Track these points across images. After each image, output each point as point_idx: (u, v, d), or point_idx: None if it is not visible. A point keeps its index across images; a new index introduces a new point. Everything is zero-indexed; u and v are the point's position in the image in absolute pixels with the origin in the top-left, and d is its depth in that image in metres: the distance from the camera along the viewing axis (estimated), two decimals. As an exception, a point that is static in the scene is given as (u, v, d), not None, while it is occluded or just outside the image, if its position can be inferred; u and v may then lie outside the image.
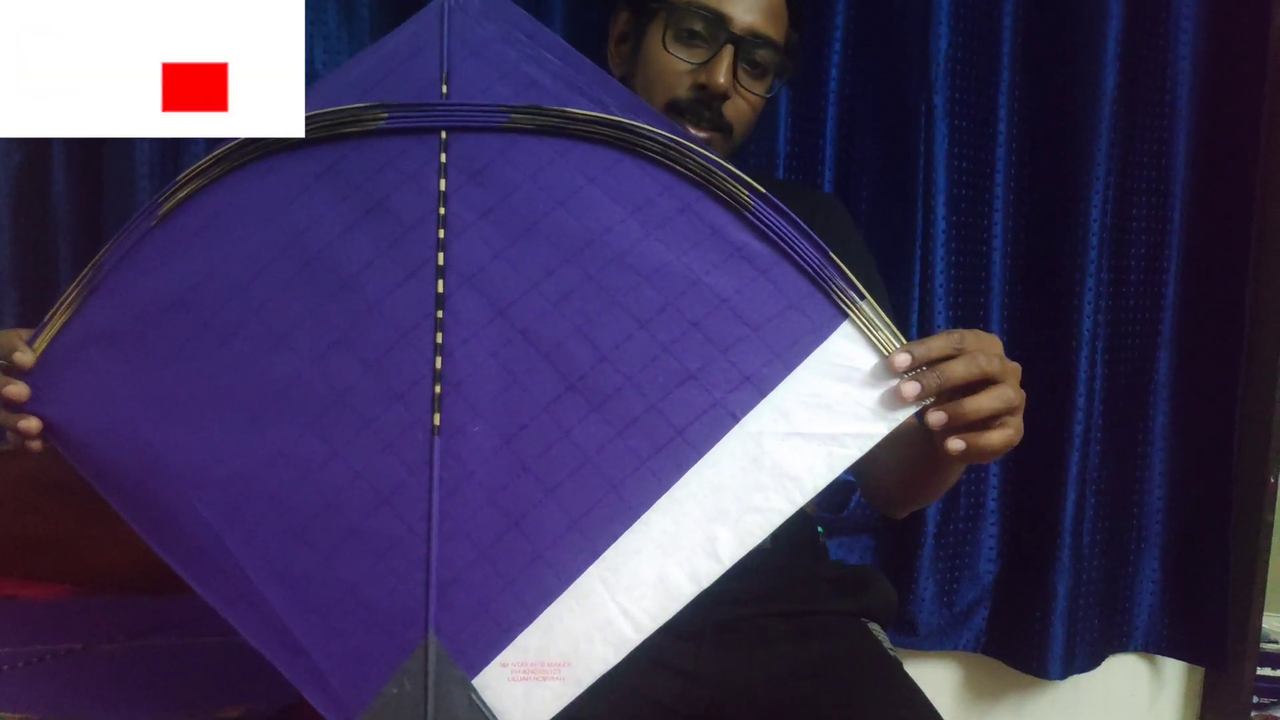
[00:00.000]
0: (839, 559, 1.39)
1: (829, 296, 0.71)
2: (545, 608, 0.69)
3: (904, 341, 0.70)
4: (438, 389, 0.73)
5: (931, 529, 1.36)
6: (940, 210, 1.30)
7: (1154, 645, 1.44)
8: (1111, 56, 1.26)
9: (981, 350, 0.70)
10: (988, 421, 0.71)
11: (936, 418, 0.71)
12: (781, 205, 0.69)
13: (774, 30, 0.96)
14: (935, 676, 1.38)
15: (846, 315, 0.71)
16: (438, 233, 0.72)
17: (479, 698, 0.68)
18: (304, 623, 0.69)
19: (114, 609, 1.10)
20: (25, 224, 1.34)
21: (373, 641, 0.69)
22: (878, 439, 0.71)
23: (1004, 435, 0.72)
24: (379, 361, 0.73)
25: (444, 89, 0.69)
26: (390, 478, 0.71)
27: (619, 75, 1.01)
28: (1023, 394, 0.72)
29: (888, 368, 0.70)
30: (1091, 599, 1.39)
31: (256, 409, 0.73)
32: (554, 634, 0.68)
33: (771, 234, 0.70)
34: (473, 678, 0.68)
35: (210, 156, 0.71)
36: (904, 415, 0.71)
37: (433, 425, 0.72)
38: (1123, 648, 1.46)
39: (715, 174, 0.69)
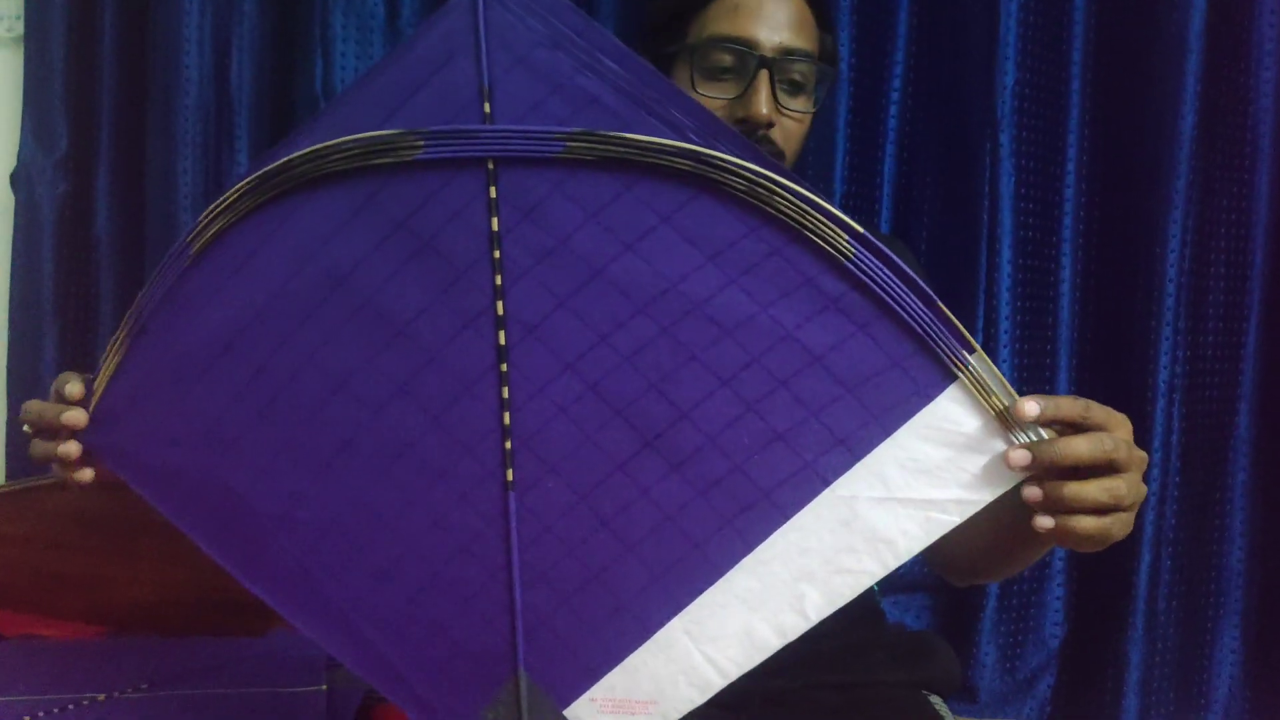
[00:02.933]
0: (896, 620, 1.21)
1: (936, 356, 0.54)
2: (629, 654, 0.62)
3: (1015, 396, 0.54)
4: (508, 445, 0.61)
5: (994, 589, 1.22)
6: (1006, 254, 1.14)
7: None
8: (1191, 94, 1.09)
9: (1110, 429, 0.53)
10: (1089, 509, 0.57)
11: (1031, 493, 0.58)
12: (888, 252, 0.53)
13: (805, 41, 0.81)
14: (991, 747, 1.20)
15: (956, 377, 0.54)
16: (494, 279, 0.56)
17: (572, 721, 0.61)
18: (399, 652, 0.64)
19: (139, 652, 0.99)
20: (69, 255, 1.22)
21: (466, 673, 0.64)
22: (980, 506, 0.59)
23: (1099, 525, 0.58)
24: (444, 414, 0.62)
25: (486, 107, 0.54)
26: (467, 528, 0.62)
27: None
28: (1143, 490, 0.59)
29: (1016, 415, 0.57)
30: (1167, 668, 1.21)
31: (325, 457, 0.63)
32: (639, 676, 0.62)
33: (874, 285, 0.54)
34: (563, 708, 0.63)
35: (234, 190, 0.57)
36: (1010, 484, 0.58)
37: (506, 480, 0.62)
38: (1200, 721, 1.26)
39: (810, 215, 0.53)
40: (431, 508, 0.63)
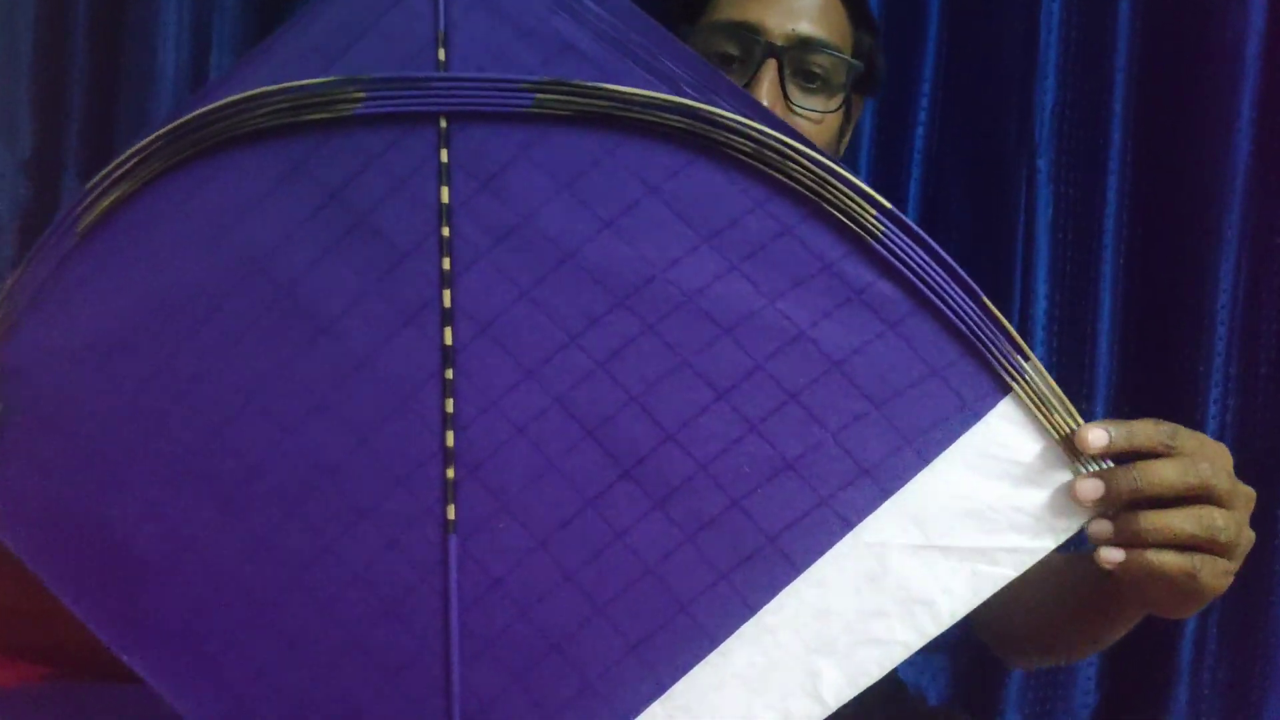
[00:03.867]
0: (916, 689, 1.04)
1: (986, 363, 0.41)
2: None
3: (1081, 422, 0.40)
4: (450, 473, 0.48)
5: None
6: (1041, 288, 1.02)
7: (1286, 807, 1.09)
8: (1246, 120, 0.97)
9: (1205, 458, 0.43)
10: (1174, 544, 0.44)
11: (1100, 529, 0.45)
12: (922, 233, 0.40)
13: (828, 31, 0.68)
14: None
15: (1009, 388, 0.41)
16: (441, 263, 0.43)
17: None
18: None
19: (95, 699, 0.84)
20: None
21: None
22: (1041, 555, 0.46)
23: (1183, 565, 0.44)
24: (373, 434, 0.49)
25: (440, 54, 0.43)
26: (396, 583, 0.49)
27: None
28: (1248, 534, 0.46)
29: (1079, 444, 0.44)
30: (1215, 680, 1.07)
31: (223, 490, 0.50)
32: None
33: (907, 271, 0.41)
34: None
35: (133, 150, 0.45)
36: (1078, 525, 0.45)
37: (445, 520, 0.48)
38: (1247, 808, 1.13)
39: (830, 184, 0.41)
40: (351, 555, 0.50)
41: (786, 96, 0.65)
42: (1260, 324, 1.03)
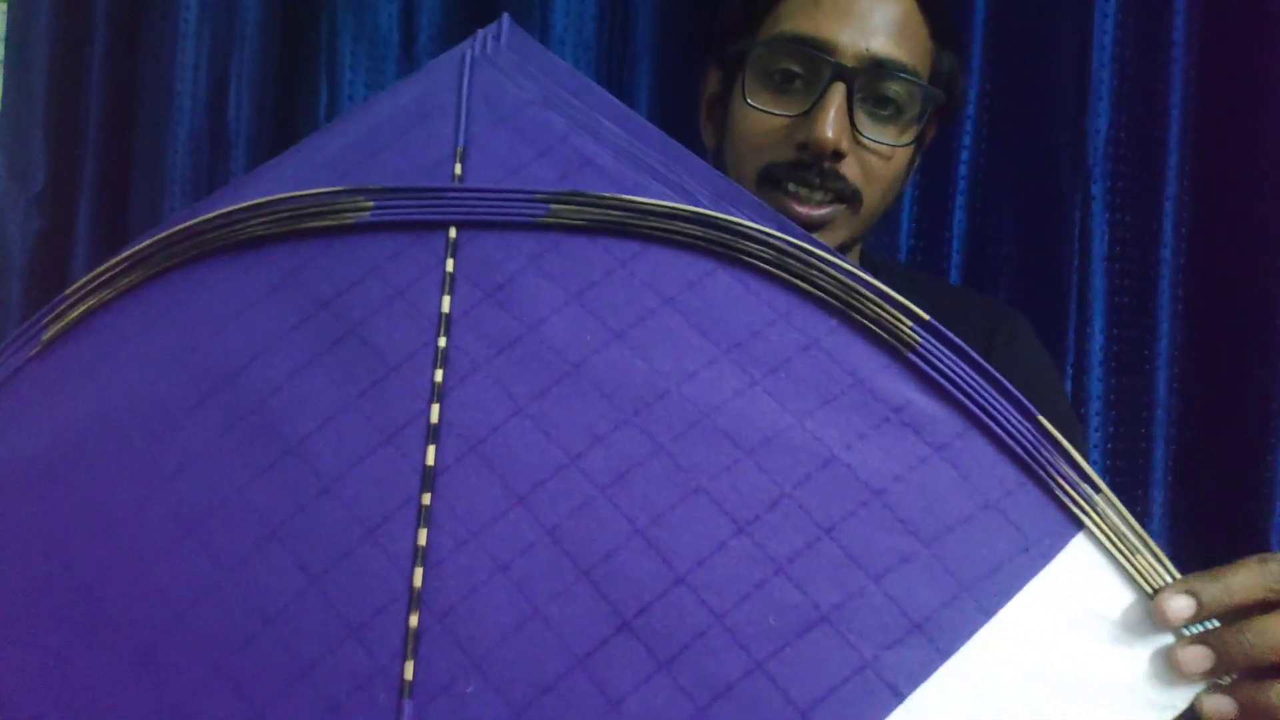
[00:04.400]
0: None
1: (1050, 491, 0.35)
2: None
3: (1172, 569, 0.33)
4: (414, 620, 0.39)
5: None
6: (1097, 323, 0.91)
7: None
8: None
9: None
10: None
11: (1218, 709, 0.36)
12: (962, 344, 0.36)
13: (907, 53, 0.59)
14: None
15: (1081, 524, 0.34)
16: (434, 375, 0.39)
17: None
18: None
19: None
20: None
21: None
22: None
23: None
24: (329, 572, 0.41)
25: (457, 169, 0.41)
26: None
27: (710, 152, 0.67)
28: None
29: (1155, 616, 0.36)
30: None
31: (148, 638, 0.41)
32: None
33: (951, 386, 0.36)
34: None
35: (120, 258, 0.41)
36: (1184, 698, 0.36)
37: (402, 681, 0.39)
38: None
39: (859, 294, 0.37)
40: (288, 722, 0.39)
41: (854, 125, 0.57)
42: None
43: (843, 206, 0.59)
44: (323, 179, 0.46)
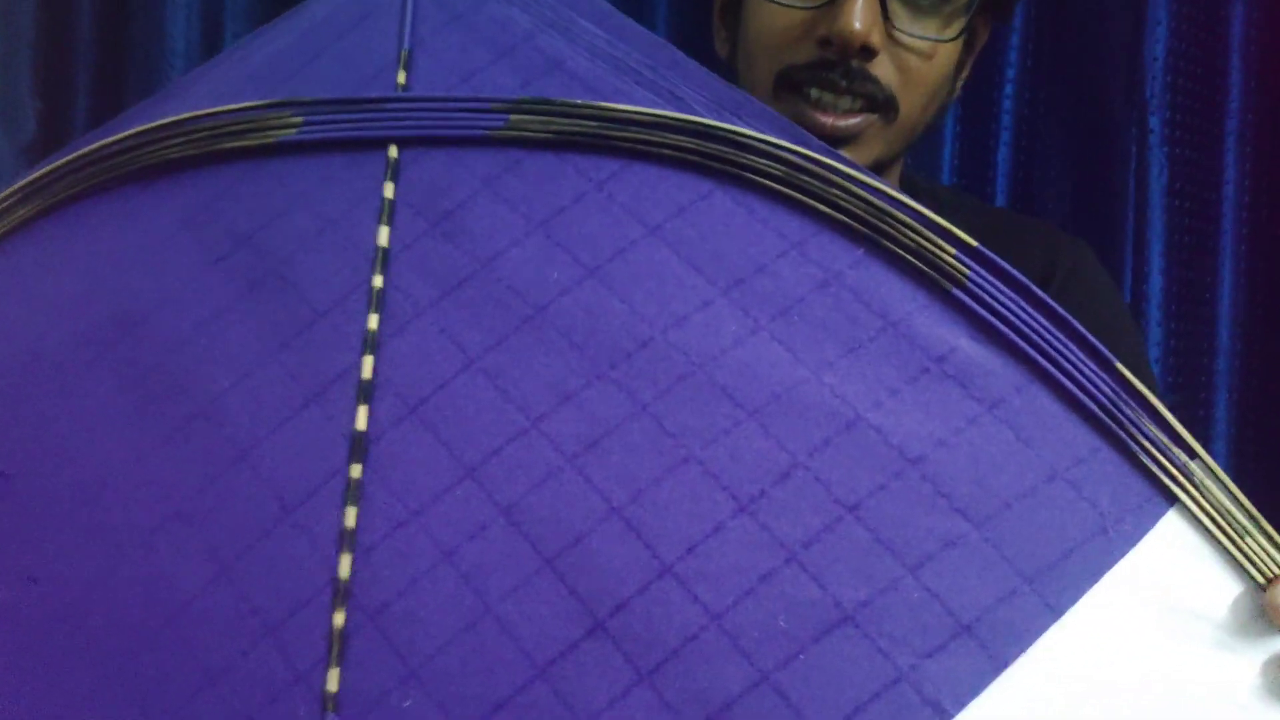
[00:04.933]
0: None
1: (1133, 457, 0.26)
2: None
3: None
4: (340, 619, 0.32)
5: None
6: (1156, 263, 0.84)
7: None
8: None
9: None
10: None
11: None
12: (1020, 277, 0.28)
13: None
14: None
15: (1174, 499, 0.26)
16: (367, 321, 0.31)
17: None
18: None
19: None
20: None
21: None
22: None
23: None
24: (241, 558, 0.33)
25: (401, 77, 0.33)
26: None
27: (723, 62, 0.57)
28: None
29: (1269, 611, 0.28)
30: None
31: (28, 637, 0.34)
32: None
33: (1007, 329, 0.28)
34: None
35: (14, 188, 0.35)
36: None
37: (324, 692, 0.31)
38: None
39: (892, 217, 0.29)
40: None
41: (887, 16, 0.48)
42: None
43: (875, 116, 0.49)
44: (247, 93, 0.38)
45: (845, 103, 0.49)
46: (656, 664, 0.31)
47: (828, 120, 0.48)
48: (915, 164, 0.86)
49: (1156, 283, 0.84)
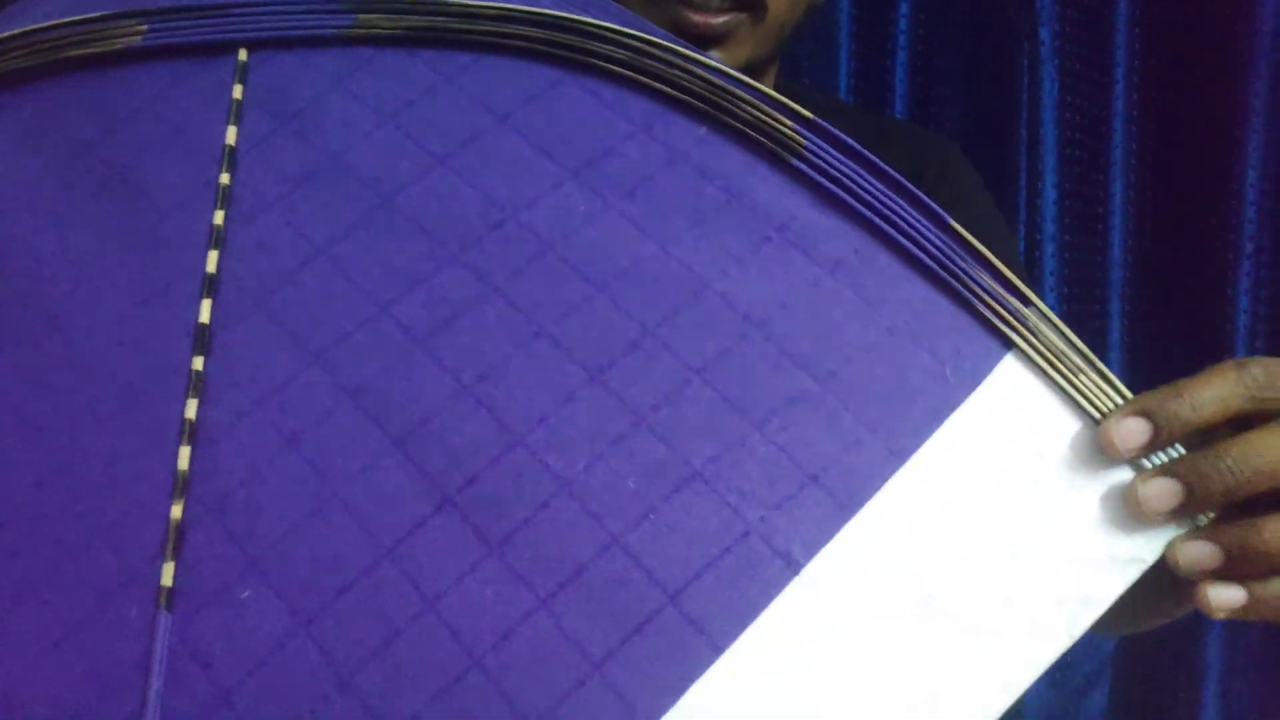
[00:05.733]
0: None
1: (972, 309, 0.27)
2: None
3: (1124, 389, 0.25)
4: (178, 511, 0.31)
5: None
6: (1049, 178, 0.84)
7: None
8: None
9: None
10: None
11: (1195, 556, 0.28)
12: (855, 145, 0.29)
13: None
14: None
15: (1011, 343, 0.26)
16: (213, 217, 0.30)
17: None
18: None
19: None
20: None
21: None
22: (1103, 609, 0.28)
23: None
24: (75, 458, 0.32)
25: None
26: (77, 693, 0.29)
27: None
28: None
29: (1102, 448, 0.28)
30: (1250, 671, 0.89)
31: None
32: None
33: (845, 194, 0.29)
34: None
35: None
36: (1152, 548, 0.29)
37: (159, 588, 0.30)
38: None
39: (732, 95, 0.30)
40: (21, 648, 0.30)
41: None
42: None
43: (744, 16, 0.50)
44: (91, 4, 0.37)
45: (715, 1, 0.49)
46: (506, 535, 0.30)
47: (699, 19, 0.48)
48: (813, 84, 0.88)
49: (1050, 196, 0.87)
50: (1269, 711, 0.94)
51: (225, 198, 0.34)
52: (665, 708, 0.28)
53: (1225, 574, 0.28)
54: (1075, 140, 0.88)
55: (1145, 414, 0.28)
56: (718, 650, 0.28)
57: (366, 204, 0.34)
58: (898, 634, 0.28)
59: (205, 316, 0.33)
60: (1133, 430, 0.28)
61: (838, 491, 0.29)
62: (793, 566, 0.29)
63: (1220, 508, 0.28)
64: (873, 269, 0.32)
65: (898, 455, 0.30)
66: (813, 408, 0.30)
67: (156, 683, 0.29)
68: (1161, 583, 0.28)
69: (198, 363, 0.32)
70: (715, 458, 0.30)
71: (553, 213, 0.33)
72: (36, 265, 0.35)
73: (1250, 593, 0.27)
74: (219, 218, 0.34)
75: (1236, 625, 0.90)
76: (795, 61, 0.87)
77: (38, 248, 0.35)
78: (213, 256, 0.33)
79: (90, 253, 0.34)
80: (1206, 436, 0.28)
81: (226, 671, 0.29)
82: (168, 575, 0.30)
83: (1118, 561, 0.28)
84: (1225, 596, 0.27)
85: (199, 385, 0.32)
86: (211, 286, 0.33)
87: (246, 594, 0.30)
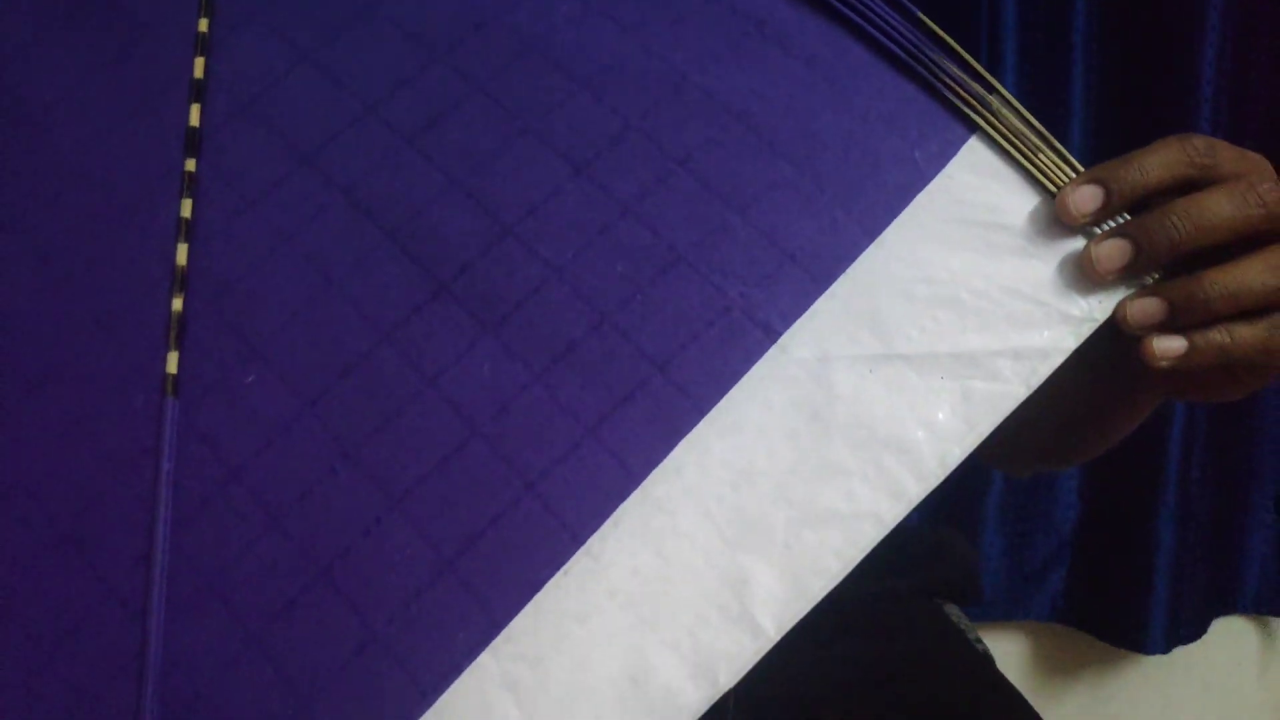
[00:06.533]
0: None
1: (937, 94, 0.28)
2: None
3: (1079, 166, 0.27)
4: (178, 304, 0.32)
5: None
6: (1010, 59, 0.84)
7: (1266, 605, 0.99)
8: None
9: (1257, 174, 0.29)
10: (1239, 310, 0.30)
11: (1143, 311, 0.30)
12: None
13: None
14: (998, 652, 0.82)
15: (975, 126, 0.28)
16: (197, 25, 0.30)
17: None
18: None
19: None
20: None
21: None
22: (1058, 360, 0.30)
23: (1261, 338, 0.30)
24: (73, 262, 0.33)
25: None
26: (83, 483, 0.30)
27: None
28: None
29: (1059, 215, 0.30)
30: (1199, 550, 0.94)
31: None
32: None
33: None
34: None
35: None
36: (1103, 307, 0.31)
37: (165, 375, 0.31)
38: (1229, 609, 1.01)
39: None
40: (31, 444, 0.31)
41: None
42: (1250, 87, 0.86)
43: None
44: None
45: None
46: (501, 317, 0.31)
47: None
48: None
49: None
50: (1216, 591, 1.00)
51: (209, 6, 0.34)
52: (655, 462, 0.30)
53: (1169, 327, 0.30)
54: (1037, 24, 0.86)
55: (1097, 181, 0.30)
56: (702, 412, 0.30)
57: (351, 10, 0.34)
58: (870, 383, 0.30)
59: (195, 120, 0.33)
60: (1086, 196, 0.30)
61: (813, 268, 0.31)
62: (771, 335, 0.31)
63: (1165, 265, 0.30)
64: (846, 61, 0.33)
65: (869, 233, 0.31)
66: (791, 192, 0.32)
67: (167, 464, 0.30)
68: (1108, 360, 0.31)
69: (190, 164, 0.33)
70: (699, 242, 0.31)
71: (535, 12, 0.34)
72: (18, 77, 0.35)
73: (1190, 342, 0.30)
74: (203, 25, 0.34)
75: (1187, 509, 0.93)
76: None
77: (19, 68, 0.35)
78: (199, 63, 0.34)
79: (75, 64, 0.35)
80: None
81: (234, 451, 0.30)
82: (172, 364, 0.31)
83: (1071, 320, 0.30)
84: (1168, 346, 0.30)
85: (192, 186, 0.33)
86: (200, 92, 0.34)
87: (250, 379, 0.31)
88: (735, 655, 0.29)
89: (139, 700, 0.28)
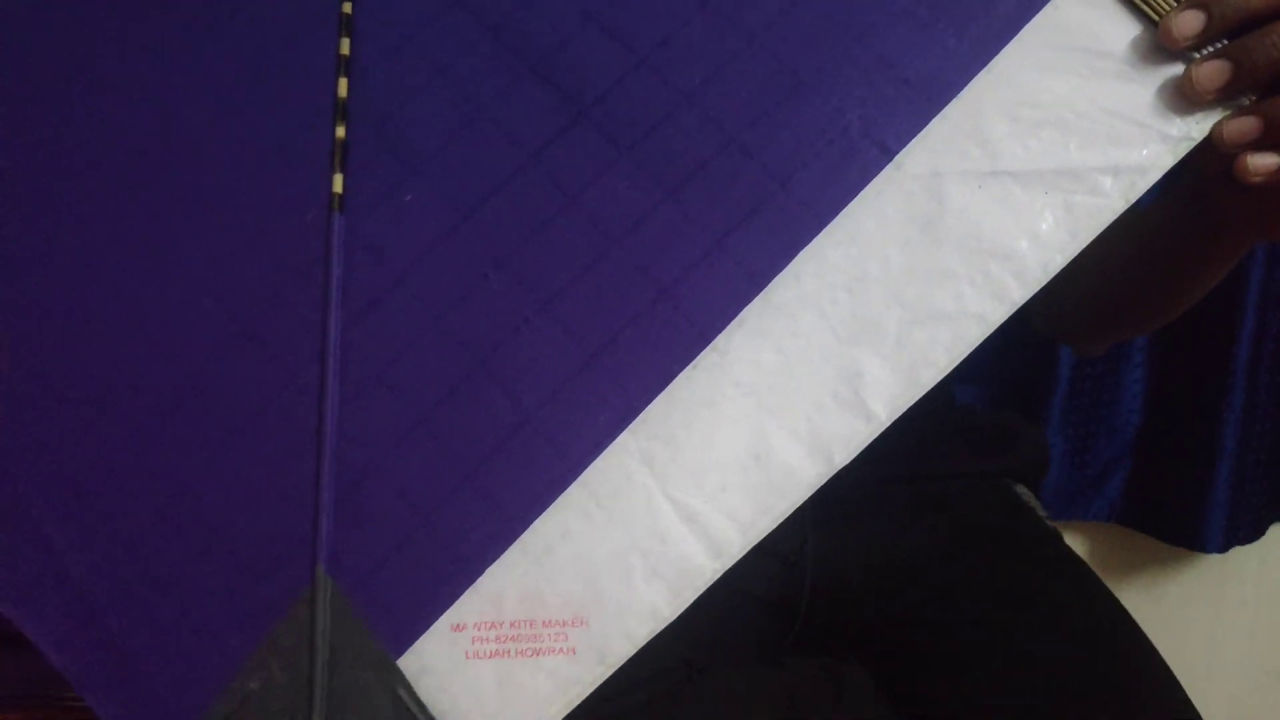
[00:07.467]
0: (965, 404, 0.86)
1: None
2: (535, 516, 0.32)
3: None
4: (341, 131, 0.35)
5: (1065, 370, 0.90)
6: None
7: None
8: None
9: None
10: None
11: (1239, 129, 0.32)
12: None
13: None
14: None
15: None
16: None
17: (410, 694, 0.31)
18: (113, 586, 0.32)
19: None
20: None
21: (212, 604, 0.32)
22: (1155, 175, 0.32)
23: None
24: (243, 92, 0.36)
25: None
26: (257, 287, 0.34)
27: None
28: None
29: (1161, 40, 0.32)
30: (1261, 453, 0.93)
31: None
32: (553, 563, 0.32)
33: None
34: (398, 656, 0.31)
35: None
36: (1200, 128, 0.33)
37: (331, 194, 0.34)
38: (1291, 513, 0.97)
39: None
40: (197, 262, 0.35)
41: None
42: None
43: None
44: None
45: None
46: (635, 140, 0.34)
47: None
48: None
49: None
50: (1276, 496, 1.00)
51: None
52: (777, 271, 0.33)
53: (1263, 146, 0.32)
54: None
55: (1200, 5, 0.32)
56: (821, 224, 0.33)
57: None
58: (979, 196, 0.33)
59: (350, -35, 0.36)
60: (1189, 20, 0.32)
61: (928, 91, 0.33)
62: (888, 154, 0.33)
63: (1262, 86, 0.32)
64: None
65: (980, 59, 0.33)
66: (908, 21, 0.34)
67: (337, 271, 0.34)
68: (1199, 199, 0.33)
69: (346, 7, 0.36)
70: (820, 68, 0.34)
71: None
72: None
73: None
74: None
75: (1252, 413, 0.94)
76: None
77: None
78: (351, -88, 0.37)
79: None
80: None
81: (397, 259, 0.34)
82: (338, 184, 0.34)
83: (1169, 139, 0.33)
84: (1261, 161, 0.32)
85: (349, 26, 0.36)
86: (353, -64, 0.36)
87: (409, 197, 0.34)
88: (849, 437, 0.32)
89: (319, 468, 0.32)
